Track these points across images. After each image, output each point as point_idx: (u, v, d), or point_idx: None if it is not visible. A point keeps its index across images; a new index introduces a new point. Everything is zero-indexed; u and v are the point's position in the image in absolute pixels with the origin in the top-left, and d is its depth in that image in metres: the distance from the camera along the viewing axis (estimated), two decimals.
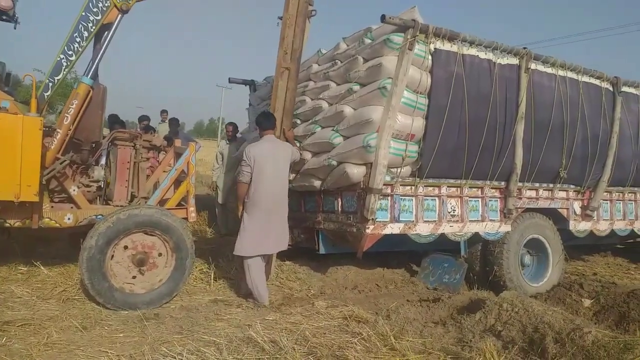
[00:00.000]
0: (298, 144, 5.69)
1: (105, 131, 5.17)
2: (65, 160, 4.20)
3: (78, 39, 4.23)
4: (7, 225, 4.04)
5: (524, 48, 5.68)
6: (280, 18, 5.32)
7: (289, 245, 6.00)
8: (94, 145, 4.56)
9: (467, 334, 3.73)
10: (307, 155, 5.53)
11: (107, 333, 3.59)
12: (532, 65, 5.69)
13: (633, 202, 6.98)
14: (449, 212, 5.36)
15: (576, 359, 3.16)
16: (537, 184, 6.01)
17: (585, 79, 6.27)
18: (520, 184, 5.74)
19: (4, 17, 4.35)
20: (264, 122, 4.87)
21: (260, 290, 4.60)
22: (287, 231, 4.84)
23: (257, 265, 4.64)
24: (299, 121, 5.93)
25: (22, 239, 5.44)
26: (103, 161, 4.74)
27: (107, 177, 4.70)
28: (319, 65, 6.15)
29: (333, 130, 5.17)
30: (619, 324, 4.38)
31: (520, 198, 5.85)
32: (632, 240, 7.68)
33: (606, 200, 6.67)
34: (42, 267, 4.86)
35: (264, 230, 4.64)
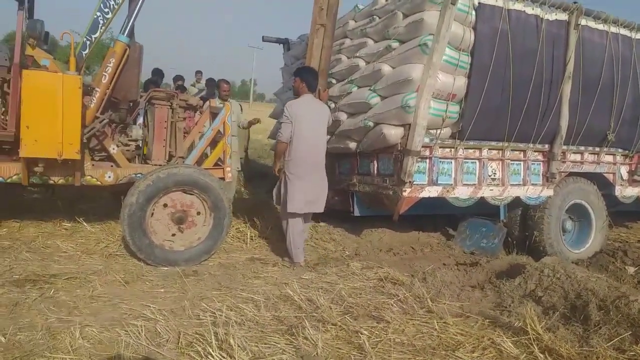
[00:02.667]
0: (333, 105, 5.60)
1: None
2: (104, 119, 4.24)
3: None
4: (51, 182, 4.14)
5: (574, 2, 5.35)
6: None
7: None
8: (131, 104, 4.58)
9: (506, 299, 3.68)
10: (343, 116, 5.43)
11: (148, 288, 3.68)
12: (582, 22, 5.37)
13: None
14: (490, 176, 5.22)
15: (620, 327, 3.06)
16: (582, 147, 5.77)
17: (639, 36, 5.90)
18: (564, 147, 5.52)
19: None
20: (313, 81, 4.75)
21: (298, 250, 4.63)
22: (326, 191, 4.79)
23: (298, 224, 4.65)
24: (334, 81, 5.80)
25: (66, 196, 5.60)
26: (141, 120, 4.77)
27: (145, 136, 4.73)
28: (355, 21, 5.94)
29: (370, 89, 5.04)
30: None
31: (564, 162, 5.64)
32: None
33: None
34: (85, 224, 5.00)
35: (311, 189, 4.62)
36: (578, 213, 5.92)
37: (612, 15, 5.66)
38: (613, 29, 5.67)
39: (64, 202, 5.50)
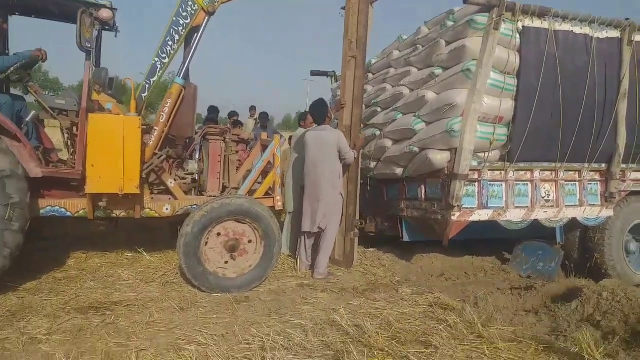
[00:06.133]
0: (379, 132, 5.68)
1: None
2: (162, 155, 4.53)
3: (170, 43, 4.53)
4: (114, 215, 4.44)
5: (627, 19, 5.21)
6: (343, 8, 5.36)
7: (371, 233, 6.05)
8: (187, 140, 4.87)
9: (561, 324, 3.55)
10: (388, 143, 5.50)
11: (201, 314, 3.83)
12: (637, 38, 5.21)
13: None
14: (543, 197, 5.09)
15: None
16: None
17: None
18: (624, 166, 5.31)
19: (106, 27, 4.77)
20: (314, 115, 5.24)
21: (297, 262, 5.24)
22: (321, 214, 5.01)
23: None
24: (379, 109, 5.91)
25: (127, 228, 5.95)
26: (197, 155, 5.05)
27: (201, 169, 4.99)
28: (399, 51, 6.06)
29: (415, 116, 5.10)
30: None
31: (624, 181, 5.41)
32: None
33: None
34: (145, 254, 5.30)
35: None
36: None
37: None
38: None
39: (126, 233, 5.84)
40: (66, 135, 4.61)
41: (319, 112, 5.18)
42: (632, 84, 5.15)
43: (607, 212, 5.30)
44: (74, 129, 4.42)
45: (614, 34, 5.16)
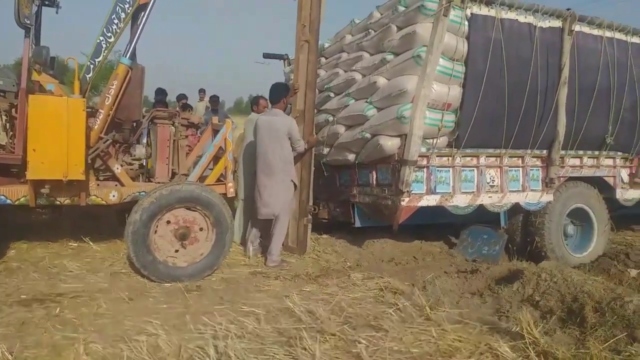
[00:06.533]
0: (332, 118, 5.70)
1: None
2: (108, 140, 4.36)
3: (116, 21, 4.33)
4: (58, 203, 4.27)
5: (568, 9, 5.42)
6: None
7: (324, 219, 6.10)
8: (134, 124, 4.71)
9: (504, 304, 3.70)
10: (341, 129, 5.53)
11: (151, 304, 3.76)
12: (577, 27, 5.42)
13: None
14: (488, 183, 5.28)
15: (616, 328, 3.09)
16: (581, 152, 5.80)
17: (635, 39, 5.94)
18: (563, 152, 5.56)
19: (47, 2, 4.51)
20: (270, 95, 5.21)
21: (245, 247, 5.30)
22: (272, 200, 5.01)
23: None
24: (332, 94, 5.91)
25: (72, 216, 5.73)
26: (144, 140, 4.90)
27: (148, 154, 4.85)
28: (352, 35, 6.07)
29: (367, 102, 5.13)
30: None
31: (563, 167, 5.68)
32: None
33: None
34: (90, 243, 5.12)
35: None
36: (580, 217, 5.93)
37: (606, 20, 5.71)
38: (608, 34, 5.71)
39: (70, 222, 5.63)
40: (4, 118, 4.36)
41: (277, 92, 5.14)
42: (572, 72, 5.37)
43: (548, 197, 5.55)
44: (13, 111, 4.18)
45: (556, 23, 5.35)
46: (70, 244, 5.17)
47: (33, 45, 4.38)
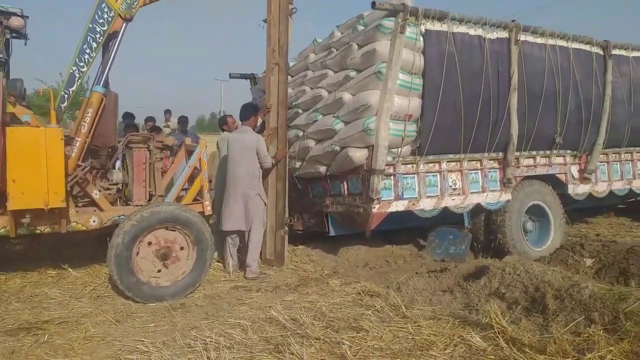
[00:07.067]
0: (302, 133, 5.93)
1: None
2: (85, 167, 4.45)
3: (87, 50, 4.44)
4: (38, 231, 4.31)
5: (513, 21, 5.84)
6: (265, 20, 5.64)
7: (299, 230, 6.30)
8: (110, 149, 4.81)
9: (473, 299, 3.98)
10: (311, 143, 5.77)
11: (139, 324, 3.86)
12: (522, 37, 5.84)
13: (630, 162, 7.17)
14: (450, 186, 5.60)
15: (575, 312, 3.37)
16: (534, 152, 6.20)
17: (575, 45, 6.41)
18: (517, 153, 5.94)
19: (15, 35, 4.58)
20: (240, 114, 5.45)
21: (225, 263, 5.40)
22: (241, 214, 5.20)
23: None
24: (300, 110, 6.16)
25: (48, 244, 5.72)
26: (119, 164, 4.99)
27: (125, 179, 4.95)
28: (315, 54, 6.35)
29: (334, 117, 5.40)
30: (619, 280, 4.60)
31: (519, 167, 6.06)
32: (633, 199, 7.83)
33: (603, 162, 6.87)
34: (70, 269, 5.14)
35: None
36: (537, 213, 6.33)
37: (548, 29, 6.17)
38: (551, 41, 6.16)
39: (48, 250, 5.62)
40: None
41: (246, 111, 5.40)
42: (521, 78, 5.77)
43: (506, 196, 5.92)
44: None
45: (503, 34, 5.76)
46: (48, 272, 5.17)
47: (4, 78, 4.43)
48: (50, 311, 4.18)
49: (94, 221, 4.49)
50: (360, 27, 5.42)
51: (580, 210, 7.62)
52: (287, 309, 4.00)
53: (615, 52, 6.75)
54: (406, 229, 6.44)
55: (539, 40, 6.11)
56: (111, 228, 4.47)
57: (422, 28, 5.19)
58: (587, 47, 6.51)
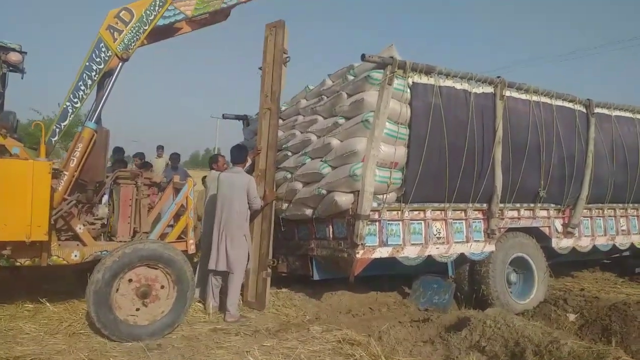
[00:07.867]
0: (290, 175, 6.01)
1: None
2: (72, 201, 4.46)
3: (82, 87, 4.55)
4: (18, 264, 4.26)
5: (498, 77, 6.05)
6: (260, 68, 5.88)
7: (283, 273, 6.27)
8: (97, 184, 4.83)
9: (453, 351, 3.97)
10: (299, 186, 5.83)
11: None
12: (507, 92, 6.03)
13: (613, 218, 7.25)
14: (435, 235, 5.64)
15: None
16: (518, 204, 6.28)
17: (559, 102, 6.61)
18: (501, 205, 6.02)
19: (12, 69, 4.68)
20: (232, 155, 5.55)
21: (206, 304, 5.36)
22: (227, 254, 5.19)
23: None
24: (289, 153, 6.25)
25: (28, 277, 5.63)
26: (106, 199, 5.00)
27: (111, 214, 4.95)
28: (306, 100, 6.51)
29: (322, 161, 5.49)
30: (602, 337, 4.58)
31: (503, 218, 6.12)
32: (617, 255, 7.87)
33: (586, 217, 6.94)
34: (47, 304, 5.05)
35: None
36: (521, 265, 6.35)
37: (532, 85, 6.38)
38: (535, 98, 6.36)
39: (26, 283, 5.54)
40: None
41: (238, 152, 5.51)
42: (505, 132, 5.92)
43: (490, 247, 5.96)
44: None
45: (489, 89, 5.94)
46: (25, 305, 5.09)
47: None
48: (23, 346, 4.08)
49: (75, 255, 4.45)
50: (350, 77, 5.60)
51: (565, 264, 7.66)
52: (265, 355, 3.95)
53: (598, 110, 6.96)
54: (392, 275, 6.42)
55: (524, 96, 6.30)
56: (93, 263, 4.43)
57: (410, 81, 5.36)
58: (570, 105, 6.71)
